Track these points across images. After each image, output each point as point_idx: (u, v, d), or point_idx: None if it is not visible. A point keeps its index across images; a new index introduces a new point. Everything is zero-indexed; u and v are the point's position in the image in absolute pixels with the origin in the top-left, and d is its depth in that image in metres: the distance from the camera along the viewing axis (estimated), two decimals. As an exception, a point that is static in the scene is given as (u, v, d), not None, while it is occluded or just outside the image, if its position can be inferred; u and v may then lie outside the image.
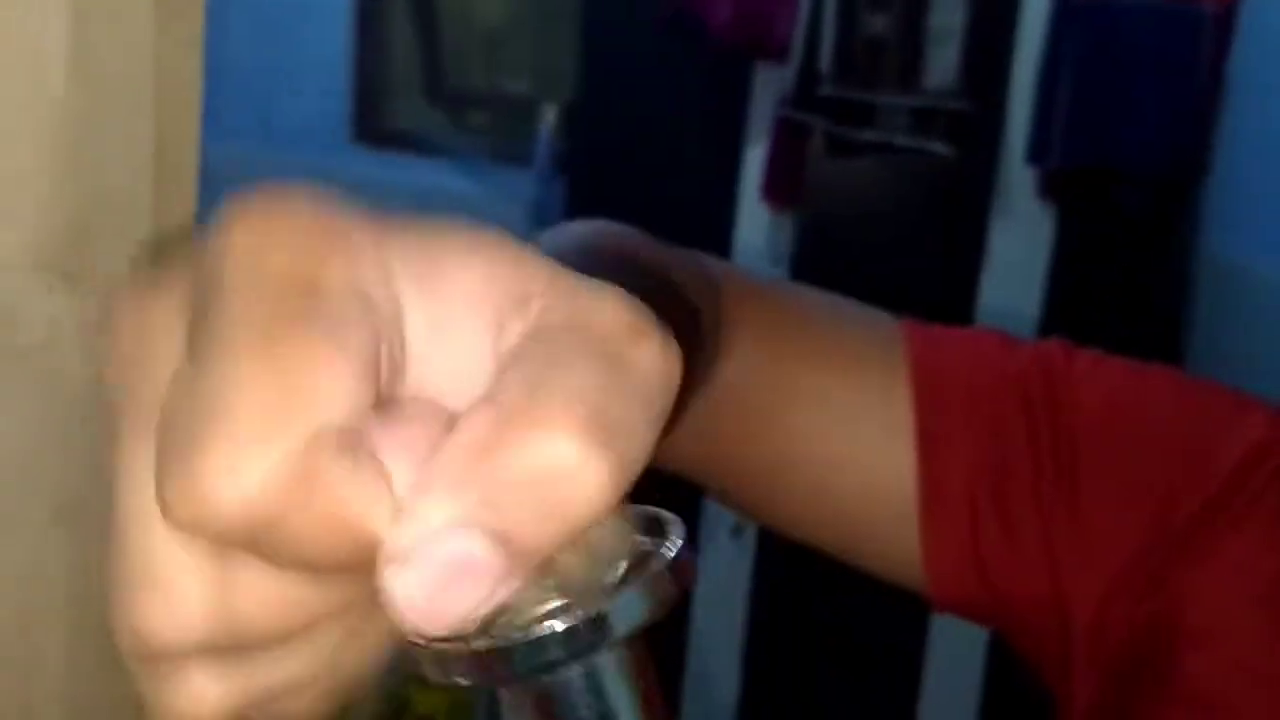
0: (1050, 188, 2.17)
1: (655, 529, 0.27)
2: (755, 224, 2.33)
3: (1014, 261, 2.22)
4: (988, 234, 2.22)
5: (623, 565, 0.26)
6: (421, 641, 0.25)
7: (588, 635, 0.25)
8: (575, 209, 2.43)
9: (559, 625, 0.25)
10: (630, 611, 0.26)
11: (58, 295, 0.50)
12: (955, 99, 2.15)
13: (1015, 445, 0.56)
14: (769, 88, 2.25)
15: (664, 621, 0.26)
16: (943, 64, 2.14)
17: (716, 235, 2.34)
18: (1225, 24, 2.10)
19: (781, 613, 2.34)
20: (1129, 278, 2.23)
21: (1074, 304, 2.23)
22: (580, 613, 0.25)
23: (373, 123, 2.61)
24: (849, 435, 0.58)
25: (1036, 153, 2.14)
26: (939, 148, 2.16)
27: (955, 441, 0.57)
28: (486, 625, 0.25)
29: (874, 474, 0.58)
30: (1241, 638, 0.53)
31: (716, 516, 2.38)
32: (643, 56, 2.35)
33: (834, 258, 2.27)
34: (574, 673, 0.26)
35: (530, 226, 2.59)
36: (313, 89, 2.54)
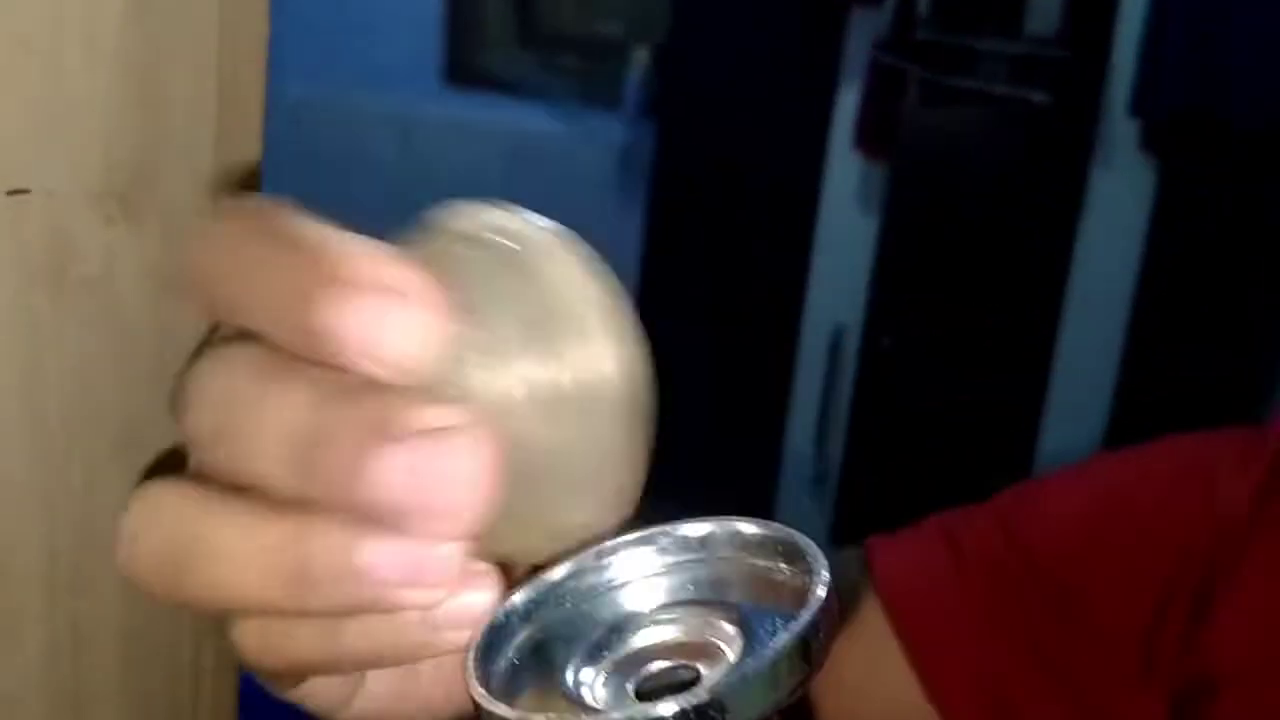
0: (1153, 140, 2.12)
1: (794, 558, 0.25)
2: (846, 172, 2.30)
3: (1114, 215, 2.17)
4: (1087, 186, 2.18)
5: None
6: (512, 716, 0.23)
7: None
8: (665, 153, 2.43)
9: (669, 711, 0.22)
10: (750, 697, 0.22)
11: (117, 226, 0.51)
12: (1057, 47, 2.11)
13: (1002, 622, 0.56)
14: (864, 31, 2.22)
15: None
16: (1045, 10, 2.10)
17: (805, 182, 2.32)
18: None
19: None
20: (1234, 234, 2.17)
21: (1174, 260, 2.18)
22: (695, 697, 0.22)
23: (464, 64, 2.63)
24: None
25: (1140, 104, 2.10)
26: (1039, 97, 2.12)
27: (946, 646, 0.57)
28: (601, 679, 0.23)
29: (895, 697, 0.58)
30: (1271, 676, 0.51)
31: (797, 464, 2.38)
32: (735, -1, 2.33)
33: (927, 209, 2.24)
34: None
35: (619, 169, 2.60)
36: (404, 31, 2.57)
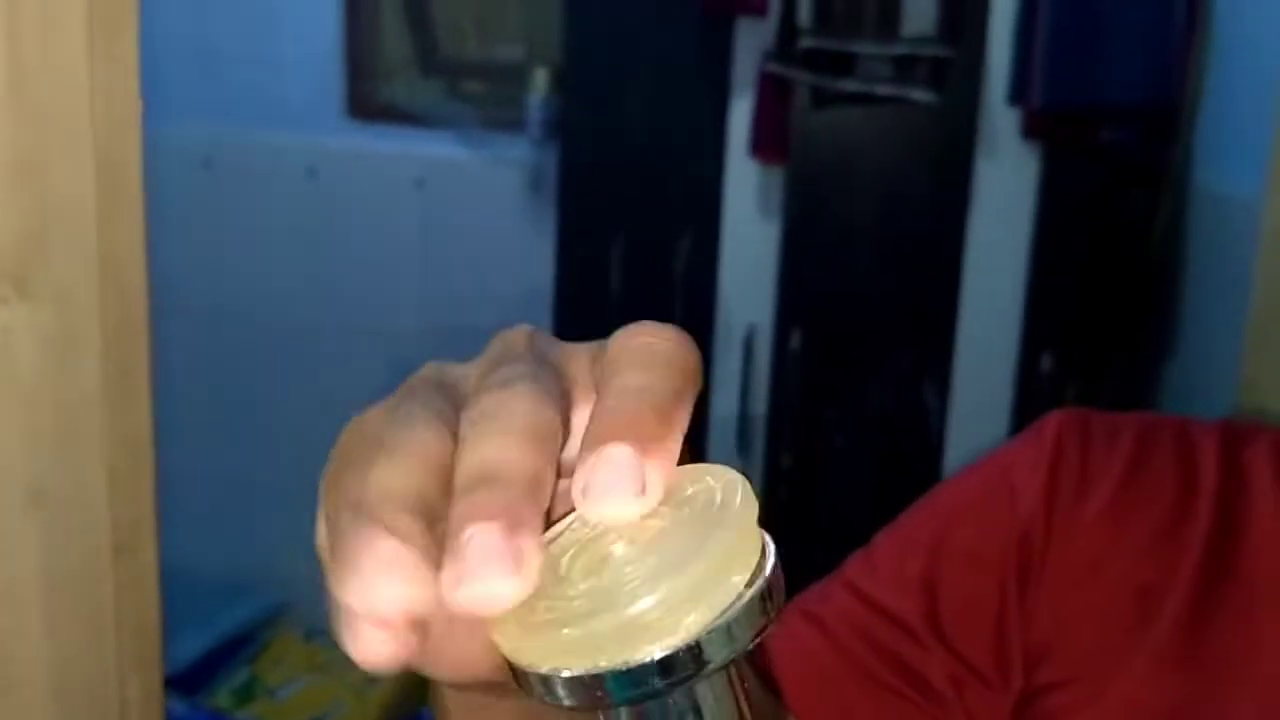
0: (1033, 128, 2.18)
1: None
2: (745, 178, 2.36)
3: (1001, 202, 2.24)
4: (973, 176, 2.24)
5: (730, 591, 0.29)
6: (525, 664, 0.28)
7: (685, 665, 0.27)
8: (569, 171, 2.46)
9: (657, 653, 0.27)
10: (726, 640, 0.28)
11: (11, 304, 0.55)
12: (934, 45, 2.16)
13: (875, 673, 0.62)
14: (751, 43, 2.27)
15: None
16: (920, 11, 2.14)
17: (707, 190, 2.37)
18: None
19: (785, 556, 2.39)
20: (1118, 213, 2.24)
21: (1063, 242, 2.25)
22: (679, 642, 0.27)
23: (366, 97, 2.64)
24: None
25: (1018, 94, 2.16)
26: (921, 94, 2.17)
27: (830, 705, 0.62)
28: (591, 647, 0.28)
29: None
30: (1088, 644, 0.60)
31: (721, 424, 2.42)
32: (628, 17, 2.37)
33: (824, 208, 2.30)
34: (671, 699, 0.28)
35: (527, 190, 2.63)
36: (305, 67, 2.58)
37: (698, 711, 0.29)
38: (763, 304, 2.36)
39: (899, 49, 2.16)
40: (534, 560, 0.28)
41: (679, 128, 2.38)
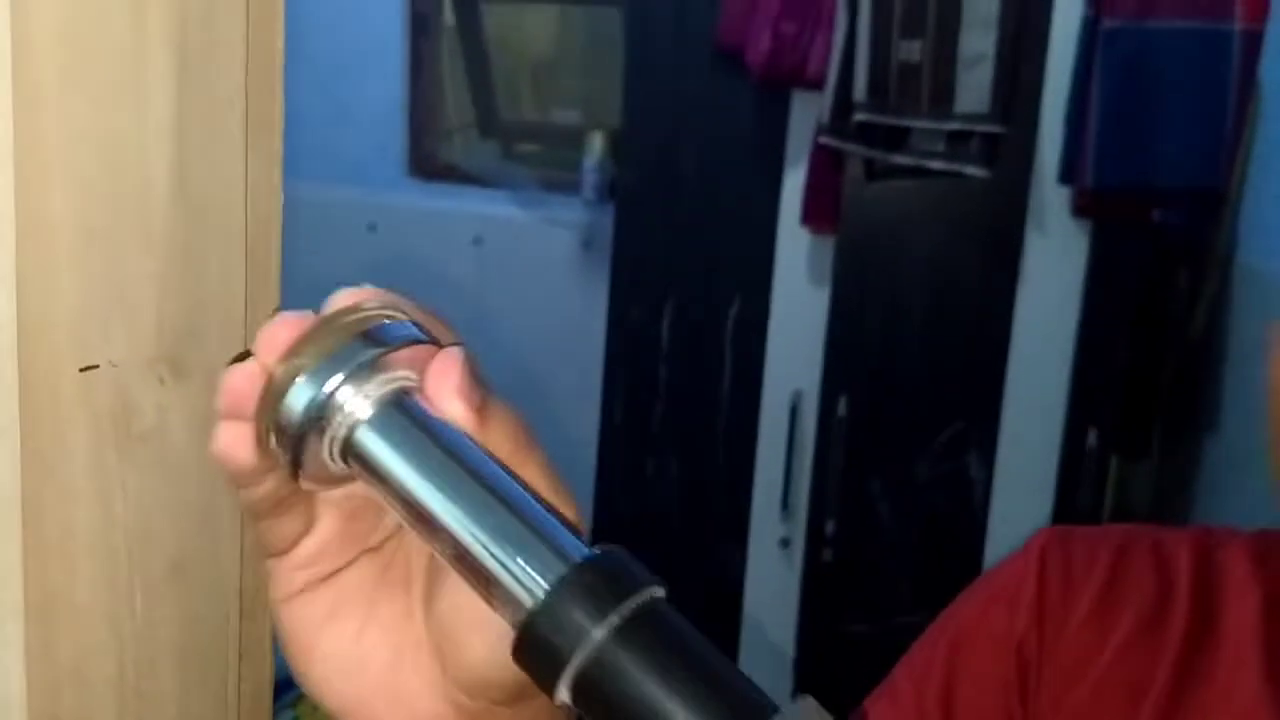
0: (1083, 206, 2.21)
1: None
2: (796, 246, 2.40)
3: (1050, 278, 2.27)
4: (1023, 251, 2.27)
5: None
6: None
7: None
8: (623, 233, 2.51)
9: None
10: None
11: (167, 386, 0.59)
12: (988, 122, 2.19)
13: None
14: (807, 115, 2.32)
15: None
16: (975, 88, 2.18)
17: (759, 258, 2.42)
18: (1254, 40, 2.12)
19: (828, 621, 2.41)
20: (1164, 290, 2.26)
21: (1110, 318, 2.27)
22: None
23: (427, 157, 2.71)
24: None
25: (1068, 173, 2.18)
26: (973, 170, 2.21)
27: None
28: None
29: None
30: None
31: (764, 528, 2.45)
32: (685, 86, 2.43)
33: (873, 278, 2.33)
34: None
35: (581, 250, 2.68)
36: (369, 127, 2.65)
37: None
38: (810, 371, 2.39)
39: (952, 124, 2.20)
40: None
41: (732, 194, 2.42)
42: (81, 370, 0.56)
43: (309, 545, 0.42)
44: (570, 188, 2.64)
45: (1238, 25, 2.12)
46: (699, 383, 2.47)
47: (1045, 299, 2.28)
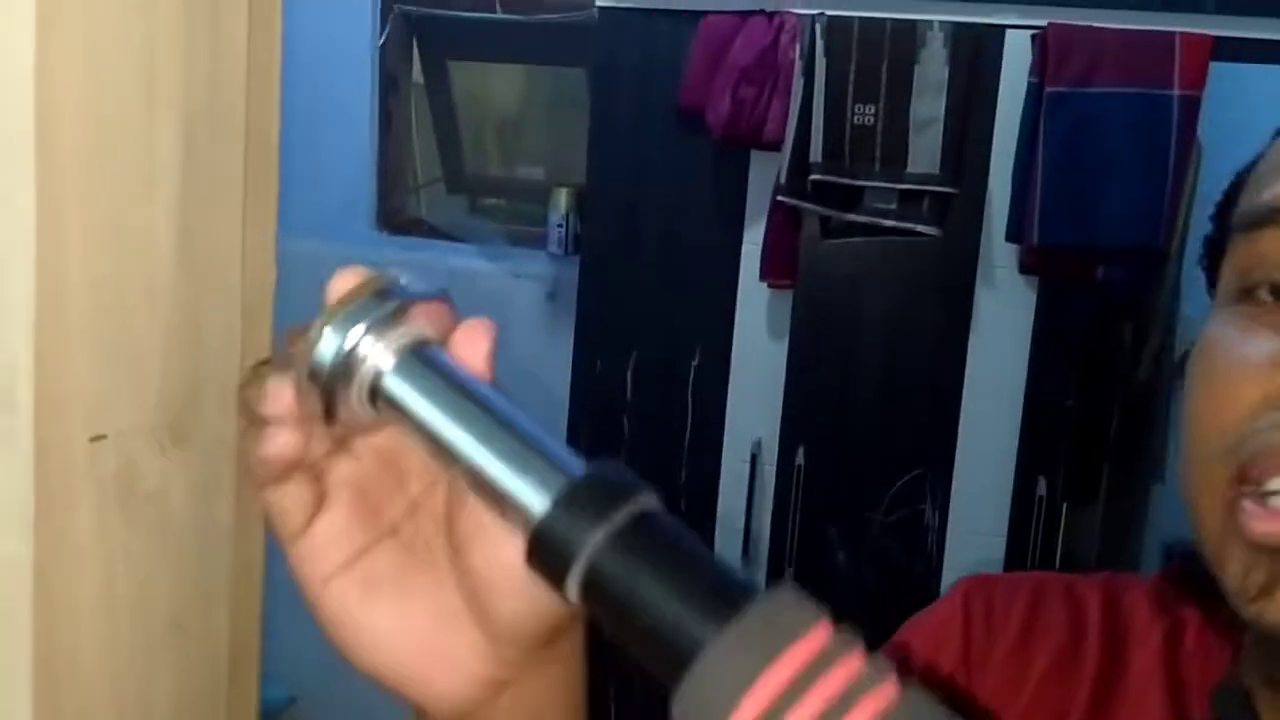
0: (1030, 263, 2.28)
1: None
2: (755, 301, 2.46)
3: (999, 331, 2.34)
4: (973, 306, 2.34)
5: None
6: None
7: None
8: (587, 286, 2.56)
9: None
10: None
11: (169, 451, 0.63)
12: (938, 182, 2.27)
13: None
14: (765, 175, 2.39)
15: None
16: (926, 150, 2.25)
17: (719, 311, 2.48)
18: (1192, 104, 2.19)
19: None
20: (1110, 342, 2.33)
21: (1057, 369, 2.34)
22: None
23: (396, 212, 2.75)
24: None
25: (1016, 232, 2.25)
26: (924, 228, 2.28)
27: None
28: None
29: None
30: None
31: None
32: (647, 145, 2.49)
33: (830, 331, 2.39)
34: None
35: (545, 302, 2.73)
36: (341, 184, 2.69)
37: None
38: (770, 421, 2.45)
39: (905, 185, 2.27)
40: None
41: (693, 250, 2.48)
42: (92, 440, 0.59)
43: (325, 523, 0.46)
44: (536, 241, 2.69)
45: (1176, 91, 2.19)
46: (661, 432, 2.51)
47: (995, 352, 2.34)
